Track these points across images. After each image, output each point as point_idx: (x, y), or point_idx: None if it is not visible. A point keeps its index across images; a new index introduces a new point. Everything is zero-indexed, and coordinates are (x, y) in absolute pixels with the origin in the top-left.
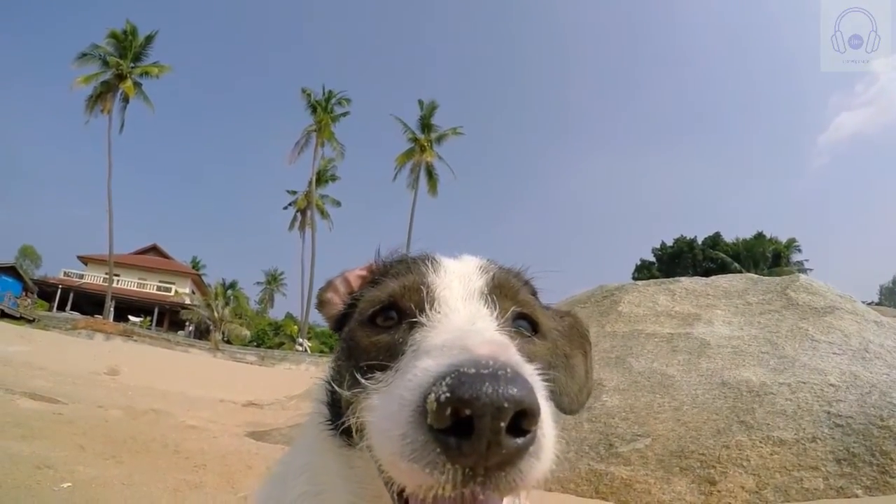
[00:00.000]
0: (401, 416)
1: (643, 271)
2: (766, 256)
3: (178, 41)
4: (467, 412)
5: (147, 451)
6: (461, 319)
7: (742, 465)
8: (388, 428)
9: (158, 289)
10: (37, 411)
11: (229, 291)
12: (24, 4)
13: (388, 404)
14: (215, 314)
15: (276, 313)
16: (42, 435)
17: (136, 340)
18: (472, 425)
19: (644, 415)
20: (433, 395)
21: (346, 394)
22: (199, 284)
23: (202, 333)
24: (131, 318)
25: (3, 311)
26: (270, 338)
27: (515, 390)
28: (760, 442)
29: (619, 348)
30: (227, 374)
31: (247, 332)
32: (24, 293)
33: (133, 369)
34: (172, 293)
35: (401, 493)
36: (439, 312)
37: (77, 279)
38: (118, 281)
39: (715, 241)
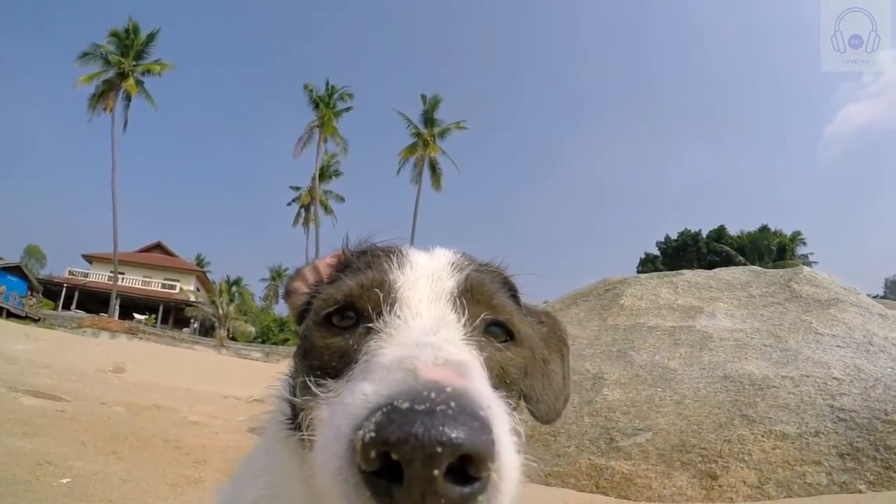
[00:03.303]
0: (336, 449)
1: (648, 265)
2: (770, 249)
3: (181, 38)
4: (394, 457)
5: (148, 446)
6: (422, 327)
7: (744, 459)
8: (325, 460)
9: (163, 286)
10: (39, 408)
11: (234, 288)
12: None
13: (329, 429)
14: (220, 311)
15: (282, 309)
16: (44, 432)
17: (141, 338)
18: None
19: (645, 409)
20: (361, 432)
21: (297, 400)
22: (204, 281)
23: (207, 330)
24: (136, 315)
25: (8, 310)
26: (275, 334)
27: (455, 433)
28: (762, 436)
29: (620, 342)
30: (231, 370)
31: (252, 329)
32: (29, 292)
33: (138, 367)
34: (177, 290)
35: None
36: (399, 317)
37: (82, 278)
38: (123, 279)
39: (719, 234)
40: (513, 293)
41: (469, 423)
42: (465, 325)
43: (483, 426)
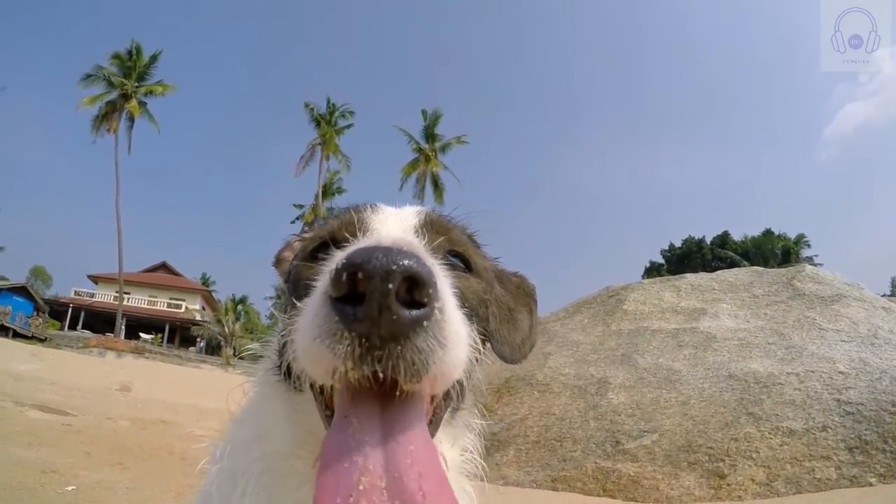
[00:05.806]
0: (314, 304)
1: (652, 273)
2: (775, 253)
3: (183, 58)
4: (360, 276)
5: (153, 458)
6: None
7: (751, 457)
8: (304, 320)
9: (169, 306)
10: (46, 421)
11: (239, 307)
12: (30, 20)
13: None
14: (226, 329)
15: None
16: (49, 443)
17: (147, 357)
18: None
19: (650, 410)
20: (333, 267)
21: (285, 317)
22: (210, 300)
23: (213, 349)
24: (142, 335)
25: (14, 330)
26: None
27: (406, 261)
28: (769, 433)
29: (624, 346)
30: (239, 388)
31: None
32: (35, 313)
33: (145, 385)
34: (183, 310)
35: (328, 410)
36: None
37: (88, 298)
38: (129, 299)
39: (723, 240)
40: (472, 239)
41: (416, 258)
42: (425, 246)
43: (427, 266)
